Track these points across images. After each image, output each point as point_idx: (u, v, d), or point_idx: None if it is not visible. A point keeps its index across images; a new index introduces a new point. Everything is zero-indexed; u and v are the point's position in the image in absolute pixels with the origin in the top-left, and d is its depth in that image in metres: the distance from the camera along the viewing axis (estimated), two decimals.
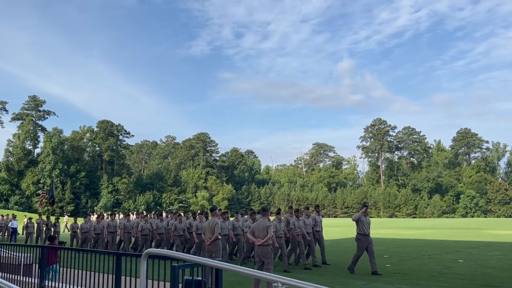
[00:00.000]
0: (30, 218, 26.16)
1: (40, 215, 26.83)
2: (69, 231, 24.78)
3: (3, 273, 9.87)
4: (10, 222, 28.24)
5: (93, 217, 32.36)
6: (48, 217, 25.98)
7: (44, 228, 24.83)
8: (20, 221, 31.52)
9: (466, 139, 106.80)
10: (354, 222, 12.04)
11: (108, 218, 25.58)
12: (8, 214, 32.78)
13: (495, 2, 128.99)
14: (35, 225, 25.60)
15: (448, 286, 10.01)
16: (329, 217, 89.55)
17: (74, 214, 67.72)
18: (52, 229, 24.55)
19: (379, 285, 10.42)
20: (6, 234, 29.00)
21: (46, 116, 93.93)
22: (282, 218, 13.81)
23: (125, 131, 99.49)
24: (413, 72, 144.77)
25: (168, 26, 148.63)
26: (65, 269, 8.19)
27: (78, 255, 7.90)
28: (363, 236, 11.83)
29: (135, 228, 18.34)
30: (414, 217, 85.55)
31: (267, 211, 10.18)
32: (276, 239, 12.53)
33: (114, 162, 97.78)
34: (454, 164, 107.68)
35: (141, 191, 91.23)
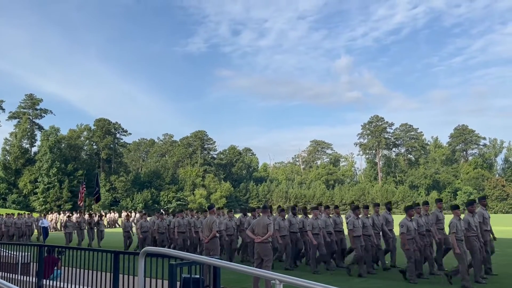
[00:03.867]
0: (69, 216, 23.31)
1: (80, 212, 23.75)
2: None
3: (1, 272, 9.85)
4: (40, 221, 25.84)
5: (136, 215, 30.47)
6: (91, 215, 22.76)
7: (87, 228, 21.95)
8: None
9: (464, 136, 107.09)
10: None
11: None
12: (26, 213, 30.91)
13: None
14: (75, 224, 22.69)
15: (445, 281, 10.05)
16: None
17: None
18: (96, 229, 21.67)
19: (375, 282, 10.45)
20: (27, 233, 26.11)
21: (43, 114, 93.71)
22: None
23: (123, 129, 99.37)
24: (410, 69, 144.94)
25: (165, 23, 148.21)
26: (63, 267, 8.19)
27: (76, 254, 7.89)
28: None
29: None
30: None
31: (267, 208, 10.18)
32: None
33: (112, 160, 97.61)
34: (452, 161, 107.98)
35: (139, 189, 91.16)
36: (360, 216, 12.07)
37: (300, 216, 13.68)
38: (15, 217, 26.74)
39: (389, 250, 12.54)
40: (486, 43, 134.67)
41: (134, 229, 20.18)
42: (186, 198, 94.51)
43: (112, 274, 7.02)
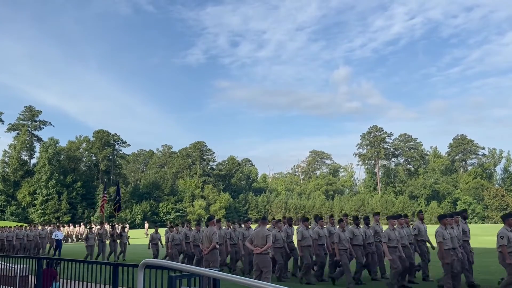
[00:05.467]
0: (90, 228, 21.47)
1: (102, 223, 22.11)
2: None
3: None
4: (54, 233, 24.46)
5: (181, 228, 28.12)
6: (113, 226, 21.45)
7: (109, 240, 20.62)
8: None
9: (463, 146, 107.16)
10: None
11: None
12: (32, 223, 29.21)
13: (488, 9, 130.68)
14: (97, 236, 21.09)
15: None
16: (326, 225, 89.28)
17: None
18: (118, 241, 20.54)
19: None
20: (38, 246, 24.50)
21: (42, 126, 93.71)
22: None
23: (122, 140, 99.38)
24: (408, 79, 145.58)
25: (163, 35, 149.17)
26: (63, 280, 8.15)
27: (75, 266, 7.85)
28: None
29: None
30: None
31: (266, 219, 10.20)
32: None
33: (111, 171, 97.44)
34: (451, 171, 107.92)
35: (138, 201, 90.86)
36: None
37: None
38: (27, 228, 25.12)
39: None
40: (484, 54, 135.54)
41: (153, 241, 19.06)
42: (185, 209, 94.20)
43: (111, 286, 6.98)
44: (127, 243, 20.47)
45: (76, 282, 7.56)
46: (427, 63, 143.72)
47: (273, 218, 14.23)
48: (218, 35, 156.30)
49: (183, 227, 17.81)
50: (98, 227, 21.27)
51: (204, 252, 10.92)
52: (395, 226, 10.80)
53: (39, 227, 26.63)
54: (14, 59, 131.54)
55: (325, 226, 12.93)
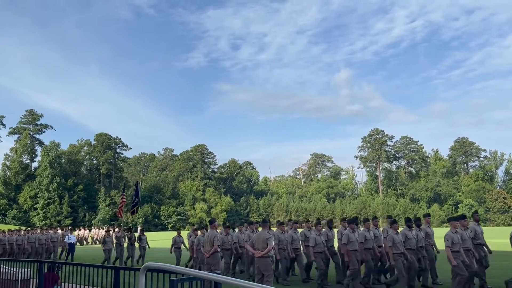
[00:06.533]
0: (108, 231, 20.96)
1: (120, 226, 21.50)
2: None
3: None
4: (67, 237, 23.84)
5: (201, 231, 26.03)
6: (130, 230, 20.72)
7: (126, 244, 19.87)
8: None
9: (464, 148, 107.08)
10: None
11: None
12: (43, 227, 27.94)
13: (489, 11, 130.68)
14: (114, 240, 20.27)
15: None
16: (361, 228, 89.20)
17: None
18: (137, 245, 19.72)
19: None
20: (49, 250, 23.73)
21: (43, 130, 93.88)
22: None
23: (123, 144, 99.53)
24: (409, 82, 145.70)
25: (164, 39, 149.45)
26: (64, 284, 8.14)
27: (77, 270, 7.85)
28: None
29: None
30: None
31: (267, 222, 10.14)
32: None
33: (112, 175, 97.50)
34: (452, 173, 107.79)
35: (139, 204, 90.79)
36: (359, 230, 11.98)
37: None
38: (38, 232, 24.56)
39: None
40: (485, 56, 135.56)
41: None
42: (186, 212, 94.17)
43: None
44: (147, 246, 19.79)
45: (78, 286, 7.56)
46: (428, 65, 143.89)
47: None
48: (219, 38, 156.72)
49: (207, 230, 16.91)
50: (117, 229, 20.75)
51: (205, 255, 10.91)
52: (457, 229, 9.92)
53: (51, 231, 25.97)
54: (15, 63, 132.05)
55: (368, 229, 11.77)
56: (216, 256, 10.81)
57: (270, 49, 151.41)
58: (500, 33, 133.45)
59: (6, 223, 69.14)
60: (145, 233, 20.58)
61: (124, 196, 23.18)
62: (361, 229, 12.01)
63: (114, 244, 19.93)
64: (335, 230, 13.39)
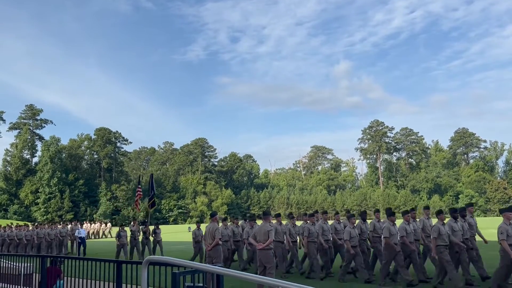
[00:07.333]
0: (122, 225, 20.61)
1: (135, 220, 21.12)
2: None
3: (3, 284, 9.83)
4: (77, 231, 23.59)
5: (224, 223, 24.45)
6: (145, 223, 20.27)
7: (141, 238, 19.58)
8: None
9: (464, 139, 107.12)
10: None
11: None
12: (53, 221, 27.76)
13: (489, 1, 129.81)
14: (129, 233, 19.81)
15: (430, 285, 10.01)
16: (328, 219, 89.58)
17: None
18: (152, 238, 19.56)
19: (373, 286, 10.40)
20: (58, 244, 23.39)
21: (43, 125, 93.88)
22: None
23: (123, 138, 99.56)
24: (409, 73, 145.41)
25: (163, 32, 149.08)
26: (67, 278, 8.18)
27: (79, 264, 7.88)
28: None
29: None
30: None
31: (268, 215, 10.13)
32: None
33: (112, 169, 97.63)
34: (453, 164, 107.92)
35: (140, 198, 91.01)
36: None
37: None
38: (46, 227, 24.33)
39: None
40: (484, 46, 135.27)
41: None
42: (187, 206, 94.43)
43: (115, 284, 7.00)
44: (161, 240, 19.61)
45: (80, 280, 7.59)
46: (427, 56, 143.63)
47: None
48: (218, 31, 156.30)
49: (232, 222, 16.57)
50: (132, 223, 20.18)
51: (207, 248, 10.94)
52: (510, 220, 9.32)
53: (59, 225, 25.81)
54: (14, 57, 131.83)
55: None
56: (218, 249, 10.85)
57: (269, 41, 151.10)
58: (500, 23, 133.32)
59: (7, 218, 69.32)
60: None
61: (140, 189, 22.44)
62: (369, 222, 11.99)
63: (129, 238, 19.54)
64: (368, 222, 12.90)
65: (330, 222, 14.00)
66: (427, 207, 12.96)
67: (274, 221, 13.14)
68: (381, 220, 12.45)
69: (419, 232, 11.27)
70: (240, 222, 16.44)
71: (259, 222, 15.58)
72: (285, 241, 12.94)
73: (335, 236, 12.63)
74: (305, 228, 12.46)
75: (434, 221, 11.00)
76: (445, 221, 10.29)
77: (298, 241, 13.84)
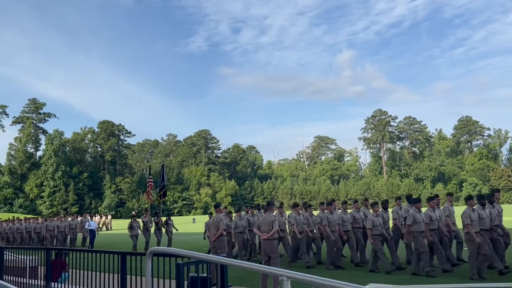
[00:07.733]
0: (134, 216, 20.51)
1: (147, 211, 20.96)
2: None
3: (9, 276, 9.89)
4: (87, 223, 23.37)
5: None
6: (157, 214, 20.10)
7: (153, 229, 19.55)
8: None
9: (468, 127, 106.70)
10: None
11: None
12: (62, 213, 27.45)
13: None
14: (141, 224, 19.77)
15: (455, 274, 10.03)
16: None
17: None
18: (164, 229, 19.52)
19: (382, 276, 10.43)
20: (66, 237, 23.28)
21: (46, 118, 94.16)
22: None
23: (126, 130, 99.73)
24: (412, 62, 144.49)
25: (165, 23, 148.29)
26: (72, 270, 8.22)
27: (84, 256, 7.91)
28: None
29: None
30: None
31: (272, 205, 10.17)
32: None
33: (116, 162, 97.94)
34: (456, 152, 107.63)
35: (144, 190, 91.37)
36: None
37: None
38: (55, 219, 24.31)
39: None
40: (488, 33, 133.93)
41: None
42: (191, 197, 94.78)
43: (119, 275, 7.03)
44: (173, 231, 19.63)
45: (85, 272, 7.62)
46: (430, 44, 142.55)
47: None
48: (220, 22, 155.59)
49: (259, 210, 16.39)
50: (143, 215, 20.27)
51: (211, 239, 10.98)
52: None
53: (69, 218, 25.83)
54: (16, 51, 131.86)
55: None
56: (222, 239, 10.88)
57: (271, 31, 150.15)
58: (503, 9, 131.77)
59: (13, 212, 69.79)
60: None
61: (151, 180, 22.59)
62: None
63: (142, 229, 19.57)
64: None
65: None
66: (450, 194, 12.96)
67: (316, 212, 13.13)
68: (402, 208, 12.40)
69: (444, 219, 11.12)
70: (255, 212, 16.26)
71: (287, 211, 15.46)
72: (303, 232, 12.88)
73: (351, 226, 12.59)
74: (323, 217, 12.44)
75: (463, 208, 10.76)
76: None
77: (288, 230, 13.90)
